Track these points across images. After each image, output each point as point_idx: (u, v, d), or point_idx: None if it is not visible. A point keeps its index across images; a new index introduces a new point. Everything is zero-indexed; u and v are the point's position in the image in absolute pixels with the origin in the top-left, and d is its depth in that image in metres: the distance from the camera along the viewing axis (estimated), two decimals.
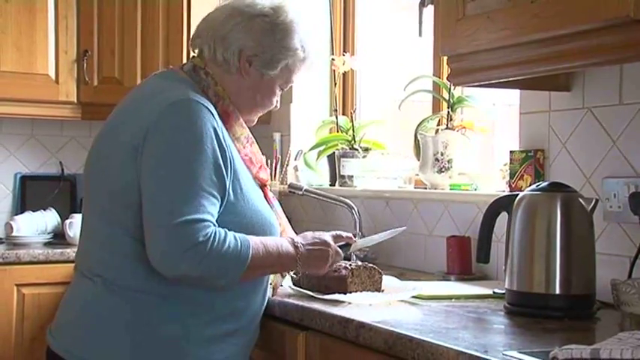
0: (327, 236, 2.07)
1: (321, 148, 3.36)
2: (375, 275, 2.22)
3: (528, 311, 1.98)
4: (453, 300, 2.19)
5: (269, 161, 3.53)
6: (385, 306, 2.10)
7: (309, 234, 2.06)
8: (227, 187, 1.87)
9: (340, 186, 3.30)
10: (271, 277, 2.10)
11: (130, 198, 1.83)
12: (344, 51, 3.58)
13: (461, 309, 2.07)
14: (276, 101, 2.12)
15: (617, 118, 2.19)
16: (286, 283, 2.26)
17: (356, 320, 1.88)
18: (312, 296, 2.14)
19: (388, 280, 2.29)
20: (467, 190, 2.73)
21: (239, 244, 1.83)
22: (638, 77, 2.14)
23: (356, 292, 2.15)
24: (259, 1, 2.02)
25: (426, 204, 2.89)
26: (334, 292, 2.13)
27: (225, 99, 1.98)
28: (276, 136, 3.66)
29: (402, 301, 2.17)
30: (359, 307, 2.06)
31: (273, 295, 2.15)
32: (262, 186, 2.05)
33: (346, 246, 2.21)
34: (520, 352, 1.53)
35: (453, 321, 1.93)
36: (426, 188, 2.92)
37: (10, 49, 3.59)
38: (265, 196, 2.05)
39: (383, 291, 2.21)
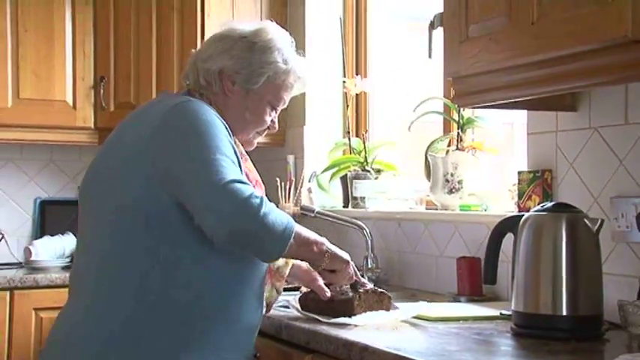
0: (348, 257, 2.12)
1: (334, 170, 3.35)
2: (383, 300, 2.19)
3: (535, 332, 1.95)
4: (461, 321, 2.17)
5: (282, 183, 3.53)
6: (392, 329, 2.08)
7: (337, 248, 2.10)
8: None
9: (353, 207, 3.28)
10: (266, 293, 2.08)
11: (141, 209, 1.82)
12: (356, 73, 3.57)
13: (467, 331, 2.04)
14: (271, 121, 2.10)
15: (623, 137, 2.17)
16: (288, 304, 2.26)
17: (360, 343, 1.86)
18: (319, 320, 2.12)
19: (398, 305, 2.26)
20: (476, 211, 2.70)
21: (286, 215, 1.84)
22: None
23: (363, 312, 2.13)
24: (240, 27, 2.07)
25: (436, 225, 2.86)
26: (341, 316, 2.11)
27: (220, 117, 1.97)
28: (290, 158, 3.66)
29: (408, 323, 2.15)
30: (365, 329, 2.04)
31: (267, 312, 2.13)
32: None
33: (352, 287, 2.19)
34: None
35: (457, 343, 1.90)
36: (436, 209, 2.89)
37: (29, 76, 3.63)
38: None
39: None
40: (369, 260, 2.97)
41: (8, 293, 3.29)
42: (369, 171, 3.25)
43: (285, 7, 3.79)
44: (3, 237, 3.74)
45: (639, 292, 2.06)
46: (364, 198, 3.23)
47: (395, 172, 3.25)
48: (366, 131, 3.42)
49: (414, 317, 2.19)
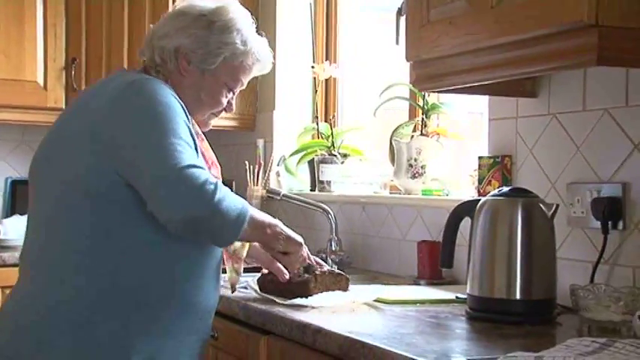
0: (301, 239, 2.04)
1: (301, 154, 3.30)
2: (341, 281, 2.16)
3: (489, 316, 1.92)
4: (418, 305, 2.13)
5: (251, 167, 3.48)
6: (348, 311, 2.04)
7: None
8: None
9: (319, 191, 3.24)
10: (227, 275, 2.04)
11: (87, 185, 1.75)
12: (326, 59, 3.52)
13: (423, 314, 2.01)
14: (228, 102, 2.02)
15: (581, 124, 2.13)
16: (247, 285, 2.22)
17: (313, 325, 1.82)
18: (276, 301, 2.08)
19: (355, 287, 2.23)
20: (438, 196, 2.67)
21: (239, 199, 1.77)
22: (601, 83, 2.07)
23: (319, 293, 2.09)
24: (201, 4, 1.97)
25: (399, 209, 2.83)
26: (298, 297, 2.07)
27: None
28: (260, 142, 3.60)
29: (367, 305, 2.11)
30: (321, 312, 2.00)
31: (232, 292, 2.09)
32: None
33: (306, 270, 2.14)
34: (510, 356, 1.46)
35: (411, 326, 1.87)
36: (400, 194, 2.86)
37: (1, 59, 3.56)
38: None
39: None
40: (333, 243, 2.93)
41: None
42: (335, 155, 3.20)
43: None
44: None
45: (592, 277, 2.04)
46: (330, 182, 3.19)
47: (361, 157, 3.21)
48: (333, 116, 3.38)
49: (374, 300, 2.16)
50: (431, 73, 2.08)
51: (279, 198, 3.05)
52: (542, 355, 1.32)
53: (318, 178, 3.24)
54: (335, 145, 3.23)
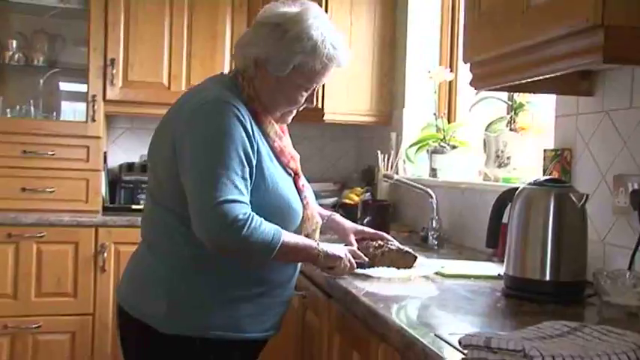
0: (343, 252, 1.86)
1: (418, 145, 3.13)
2: (407, 259, 1.99)
3: (521, 294, 1.70)
4: (472, 279, 1.93)
5: (382, 155, 3.35)
6: (402, 282, 1.88)
7: (332, 247, 1.85)
8: (254, 170, 1.71)
9: (432, 177, 3.05)
10: None
11: (172, 182, 1.72)
12: (449, 64, 3.31)
13: (466, 287, 1.82)
14: (306, 99, 1.86)
15: (628, 120, 1.83)
16: None
17: (345, 289, 1.70)
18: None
19: (428, 262, 2.06)
20: (515, 183, 2.40)
21: (272, 229, 1.66)
22: None
23: (382, 266, 1.95)
24: (279, 11, 1.80)
25: (488, 194, 2.57)
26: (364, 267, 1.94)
27: (255, 100, 1.80)
28: (393, 135, 3.46)
29: (425, 278, 1.95)
30: (379, 281, 1.86)
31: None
32: (294, 175, 1.86)
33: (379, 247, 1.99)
34: (451, 335, 1.28)
35: (444, 297, 1.69)
36: (489, 181, 2.62)
37: (198, 68, 3.65)
38: (296, 183, 1.85)
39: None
40: (434, 221, 2.74)
41: None
42: (444, 146, 3.00)
43: (394, 11, 3.58)
44: None
45: (630, 263, 1.74)
46: (438, 169, 2.99)
47: (466, 148, 2.98)
48: (444, 113, 3.16)
49: (434, 273, 1.98)
50: (481, 74, 1.87)
51: (392, 181, 2.90)
52: (492, 335, 1.11)
53: (430, 165, 3.05)
54: (446, 138, 3.02)
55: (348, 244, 2.02)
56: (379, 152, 3.36)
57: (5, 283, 3.28)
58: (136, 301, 1.77)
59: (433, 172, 3.03)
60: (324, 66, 1.83)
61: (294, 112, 1.91)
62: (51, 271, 3.32)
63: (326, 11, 3.47)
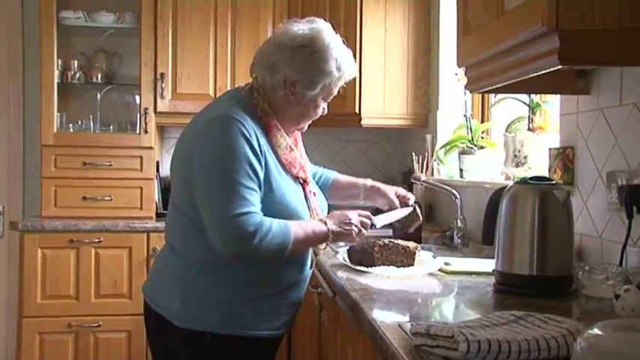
0: (352, 215, 1.96)
1: (448, 147, 3.18)
2: (407, 255, 2.08)
3: (510, 289, 1.75)
4: (473, 275, 2.00)
5: (417, 157, 3.43)
6: (404, 279, 1.97)
7: (336, 213, 1.96)
8: (262, 181, 1.82)
9: (460, 177, 3.10)
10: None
11: (186, 194, 1.83)
12: None
13: (464, 282, 1.90)
14: (323, 109, 1.99)
15: (618, 117, 1.86)
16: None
17: (340, 285, 1.80)
18: (349, 266, 2.07)
19: (424, 256, 2.14)
20: None
21: (282, 230, 1.78)
22: (633, 79, 1.78)
23: (382, 265, 2.04)
24: (299, 33, 1.91)
25: None
26: (366, 266, 2.04)
27: (270, 114, 1.90)
28: (428, 137, 3.53)
29: (428, 274, 2.03)
30: (380, 278, 1.96)
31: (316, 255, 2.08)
32: (303, 183, 1.95)
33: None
34: (418, 324, 1.36)
35: (435, 292, 1.77)
36: (510, 179, 2.65)
37: (243, 80, 3.82)
38: (304, 191, 1.96)
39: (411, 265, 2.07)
40: (458, 220, 2.80)
41: None
42: (471, 147, 3.04)
43: (427, 16, 3.65)
44: None
45: (620, 258, 1.77)
46: (465, 170, 3.04)
47: (493, 149, 3.01)
48: (471, 115, 3.20)
49: (438, 270, 2.06)
50: (473, 77, 1.94)
51: (420, 183, 2.98)
52: (432, 324, 1.20)
53: (459, 165, 3.10)
54: (474, 139, 3.06)
55: (392, 206, 2.14)
56: (413, 154, 3.43)
57: (68, 285, 3.56)
58: (155, 295, 1.92)
59: (461, 172, 3.09)
60: (344, 81, 1.97)
61: (310, 121, 2.02)
62: (108, 274, 3.57)
63: (361, 19, 3.60)
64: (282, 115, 1.94)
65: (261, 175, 1.82)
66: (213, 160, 1.78)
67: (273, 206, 1.83)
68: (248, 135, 1.81)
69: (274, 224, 1.77)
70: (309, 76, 1.89)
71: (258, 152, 1.82)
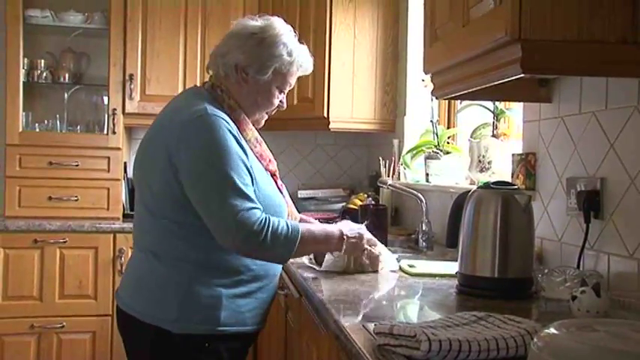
0: (363, 230, 2.04)
1: (415, 151, 3.23)
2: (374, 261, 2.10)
3: (472, 291, 1.79)
4: (437, 278, 2.04)
5: (384, 161, 3.46)
6: (369, 279, 2.00)
7: (347, 222, 2.03)
8: (253, 176, 1.82)
9: (426, 182, 3.15)
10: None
11: (169, 193, 1.79)
12: None
13: (425, 285, 1.92)
14: (280, 101, 2.00)
15: (577, 125, 1.91)
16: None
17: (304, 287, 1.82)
18: (315, 268, 2.09)
19: (389, 259, 2.17)
20: None
21: (290, 231, 1.78)
22: (591, 89, 1.84)
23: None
24: (251, 24, 1.95)
25: None
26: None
27: (237, 109, 1.91)
28: (395, 142, 3.57)
29: (393, 274, 2.06)
30: (341, 279, 1.97)
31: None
32: (272, 175, 1.96)
33: None
34: (381, 324, 1.38)
35: (398, 294, 1.80)
36: (473, 184, 2.71)
37: None
38: (275, 183, 1.96)
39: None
40: (423, 224, 2.84)
41: None
42: (437, 152, 3.09)
43: (395, 24, 3.70)
44: None
45: (578, 261, 1.83)
46: (431, 175, 3.09)
47: (458, 154, 3.06)
48: (438, 120, 3.25)
49: (400, 270, 2.09)
50: (439, 83, 1.97)
51: (386, 187, 3.02)
52: (396, 324, 1.23)
53: (425, 170, 3.15)
54: (440, 144, 3.11)
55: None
56: (381, 159, 3.47)
57: (32, 286, 3.51)
58: (149, 307, 1.82)
59: (427, 177, 3.13)
60: (298, 69, 1.97)
61: (266, 116, 2.02)
62: (73, 275, 3.54)
63: (330, 25, 3.63)
64: (241, 107, 1.93)
65: (251, 170, 1.82)
66: (207, 160, 1.75)
67: (258, 196, 1.82)
68: (232, 130, 1.82)
69: (281, 221, 1.78)
70: (260, 59, 1.91)
71: (244, 147, 1.83)
